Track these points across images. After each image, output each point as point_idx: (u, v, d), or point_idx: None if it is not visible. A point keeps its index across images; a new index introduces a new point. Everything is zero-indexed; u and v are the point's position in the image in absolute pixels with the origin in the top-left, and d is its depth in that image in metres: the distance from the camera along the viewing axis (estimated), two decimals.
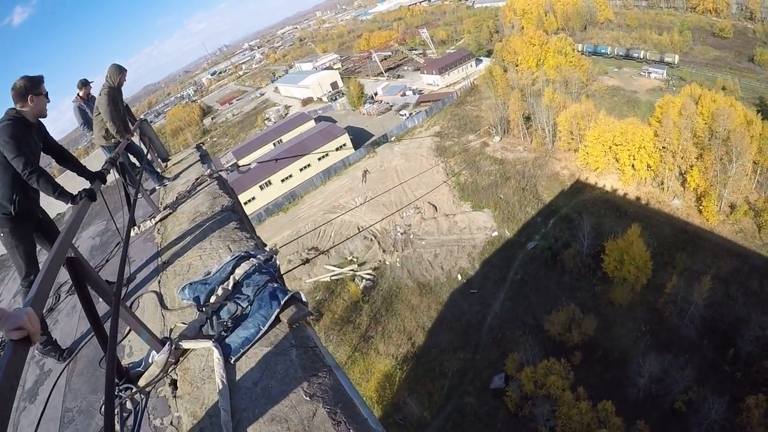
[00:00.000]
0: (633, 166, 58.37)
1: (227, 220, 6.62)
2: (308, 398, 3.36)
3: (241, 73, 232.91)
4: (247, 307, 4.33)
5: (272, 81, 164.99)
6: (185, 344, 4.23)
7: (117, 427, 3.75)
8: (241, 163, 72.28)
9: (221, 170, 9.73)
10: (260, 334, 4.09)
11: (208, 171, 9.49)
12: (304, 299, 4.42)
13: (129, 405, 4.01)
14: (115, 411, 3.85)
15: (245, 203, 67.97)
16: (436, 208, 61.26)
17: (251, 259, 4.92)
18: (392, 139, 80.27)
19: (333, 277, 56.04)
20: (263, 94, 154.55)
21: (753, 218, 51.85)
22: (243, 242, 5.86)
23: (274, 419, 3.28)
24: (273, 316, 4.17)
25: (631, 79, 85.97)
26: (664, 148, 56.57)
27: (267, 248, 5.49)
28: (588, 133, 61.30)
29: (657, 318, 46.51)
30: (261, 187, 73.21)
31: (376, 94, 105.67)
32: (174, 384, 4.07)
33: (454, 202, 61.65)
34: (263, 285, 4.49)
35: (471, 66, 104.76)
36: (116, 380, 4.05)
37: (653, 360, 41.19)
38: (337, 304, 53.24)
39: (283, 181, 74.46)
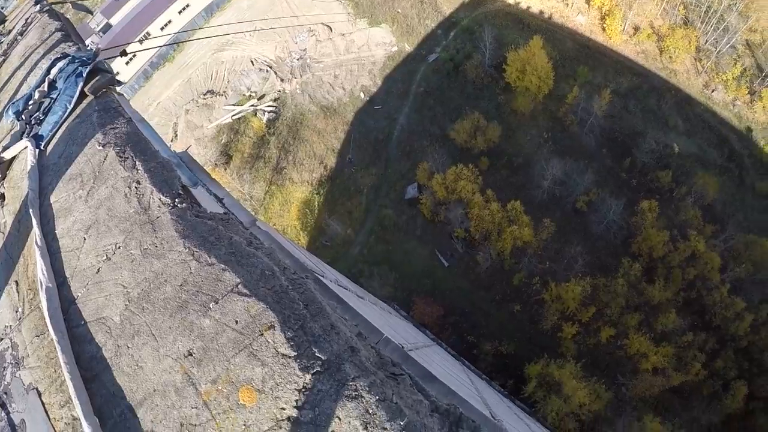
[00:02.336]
0: None
1: (56, 42, 6.47)
2: (101, 147, 3.60)
3: None
4: (58, 96, 4.35)
5: None
6: (5, 154, 4.33)
7: None
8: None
9: (54, 3, 9.13)
10: (67, 113, 4.18)
11: (38, 7, 8.99)
12: (107, 68, 4.46)
13: None
14: None
15: (126, 63, 60.62)
16: (330, 28, 56.83)
17: (67, 57, 4.77)
18: None
19: (234, 117, 53.75)
20: None
21: (656, 42, 52.26)
22: (64, 49, 5.76)
23: (71, 179, 3.56)
24: (77, 93, 4.19)
25: None
26: None
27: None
28: None
29: (558, 126, 47.61)
30: (140, 41, 64.28)
31: None
32: (2, 197, 4.19)
33: (349, 21, 57.29)
34: (73, 71, 4.42)
35: None
36: None
37: (556, 164, 42.75)
38: (243, 143, 51.88)
39: (162, 29, 66.06)
